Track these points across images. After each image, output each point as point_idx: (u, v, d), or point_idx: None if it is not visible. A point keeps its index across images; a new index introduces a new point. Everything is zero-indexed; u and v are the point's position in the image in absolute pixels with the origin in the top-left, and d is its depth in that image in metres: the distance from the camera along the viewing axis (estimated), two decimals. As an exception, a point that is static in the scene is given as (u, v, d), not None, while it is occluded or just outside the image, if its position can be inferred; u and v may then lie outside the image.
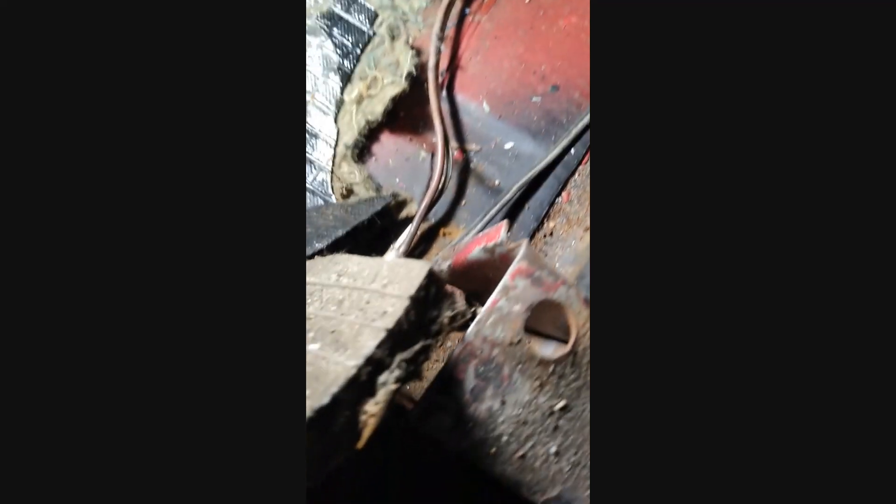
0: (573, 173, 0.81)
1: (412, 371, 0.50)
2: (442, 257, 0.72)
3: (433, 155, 0.82)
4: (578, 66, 0.83)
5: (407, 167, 0.84)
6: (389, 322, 0.49)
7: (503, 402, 0.57)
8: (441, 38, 0.82)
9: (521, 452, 0.57)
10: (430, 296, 0.53)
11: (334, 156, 0.83)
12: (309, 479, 0.41)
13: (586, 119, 0.80)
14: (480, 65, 0.84)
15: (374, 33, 0.83)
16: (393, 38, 0.83)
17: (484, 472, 0.58)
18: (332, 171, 0.83)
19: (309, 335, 0.51)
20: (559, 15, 0.84)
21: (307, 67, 0.83)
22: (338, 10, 0.84)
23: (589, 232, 0.79)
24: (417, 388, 0.67)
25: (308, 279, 0.60)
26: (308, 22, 0.84)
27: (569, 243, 0.80)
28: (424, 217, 0.79)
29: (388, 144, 0.84)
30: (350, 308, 0.53)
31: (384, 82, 0.81)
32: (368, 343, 0.47)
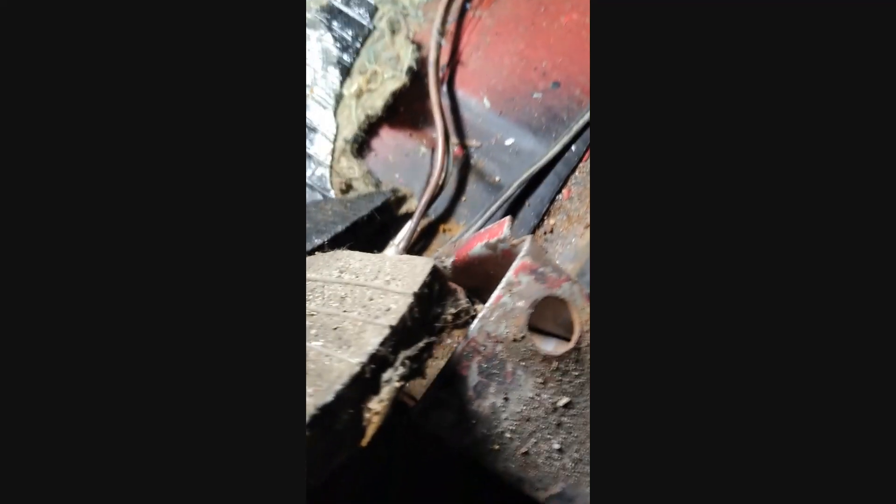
0: (574, 170, 0.81)
1: (416, 368, 0.49)
2: (443, 253, 0.71)
3: (433, 150, 0.81)
4: (579, 63, 0.83)
5: (407, 163, 0.83)
6: (393, 319, 0.48)
7: (506, 399, 0.57)
8: (442, 33, 0.82)
9: (523, 449, 0.57)
10: (433, 292, 0.53)
11: (333, 150, 0.82)
12: (312, 476, 0.41)
13: (587, 116, 0.80)
14: (481, 60, 0.84)
15: (374, 27, 0.83)
16: (393, 32, 0.82)
17: (486, 469, 0.58)
18: (331, 166, 0.82)
19: (311, 332, 0.50)
20: (560, 11, 0.84)
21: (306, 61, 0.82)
22: (337, 3, 0.83)
23: (589, 229, 0.79)
24: (418, 386, 0.67)
25: (309, 275, 0.59)
26: (307, 15, 0.83)
27: (569, 240, 0.79)
28: (424, 213, 0.79)
29: (388, 139, 0.84)
30: (353, 305, 0.53)
31: (384, 77, 0.81)
32: (372, 340, 0.47)
